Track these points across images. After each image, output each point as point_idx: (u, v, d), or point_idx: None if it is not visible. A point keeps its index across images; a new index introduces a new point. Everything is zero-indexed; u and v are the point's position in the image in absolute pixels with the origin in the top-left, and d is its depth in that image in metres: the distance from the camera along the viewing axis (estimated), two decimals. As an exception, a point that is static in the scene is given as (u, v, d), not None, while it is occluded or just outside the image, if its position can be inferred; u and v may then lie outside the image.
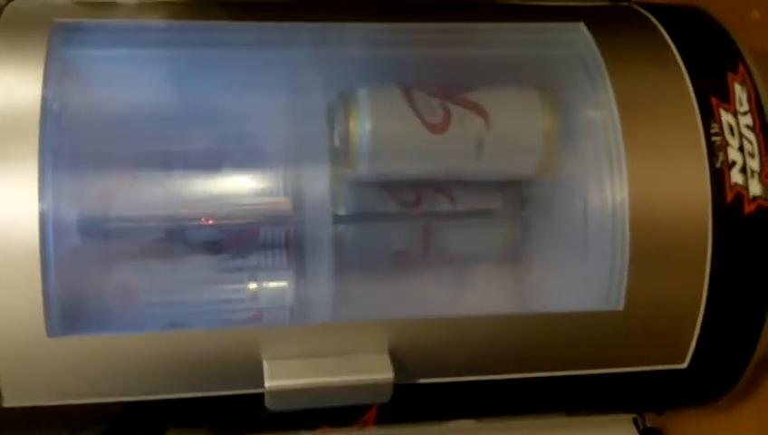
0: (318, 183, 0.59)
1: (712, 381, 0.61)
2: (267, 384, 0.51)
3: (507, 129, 0.61)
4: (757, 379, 0.66)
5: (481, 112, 0.60)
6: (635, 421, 0.78)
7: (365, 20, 0.60)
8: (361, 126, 0.58)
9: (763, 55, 0.63)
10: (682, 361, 0.58)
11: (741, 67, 0.59)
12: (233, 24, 0.61)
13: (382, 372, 0.52)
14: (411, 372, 0.54)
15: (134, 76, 0.61)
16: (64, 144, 0.54)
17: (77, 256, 0.54)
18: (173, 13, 0.64)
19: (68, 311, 0.51)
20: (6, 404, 0.51)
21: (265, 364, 0.52)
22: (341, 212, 0.61)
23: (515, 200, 0.66)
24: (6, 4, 0.58)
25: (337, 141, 0.59)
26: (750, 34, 0.65)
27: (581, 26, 0.59)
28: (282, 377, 0.52)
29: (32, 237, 0.49)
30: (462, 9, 0.62)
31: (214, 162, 0.60)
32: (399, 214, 0.64)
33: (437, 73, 0.62)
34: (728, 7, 0.67)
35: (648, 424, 0.78)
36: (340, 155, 0.59)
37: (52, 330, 0.49)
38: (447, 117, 0.59)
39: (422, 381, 0.55)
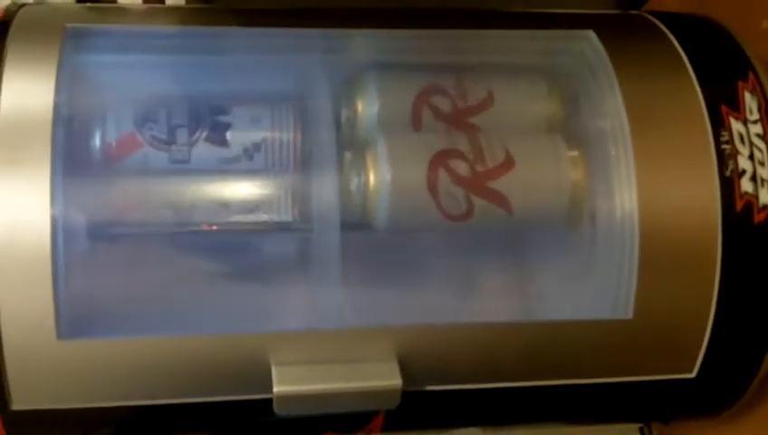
0: (326, 191, 0.59)
1: (720, 391, 0.61)
2: (276, 389, 0.51)
3: (531, 211, 0.60)
4: (763, 389, 0.65)
5: (504, 204, 0.59)
6: (641, 431, 0.78)
7: (375, 27, 0.60)
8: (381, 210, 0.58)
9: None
10: (690, 370, 0.58)
11: (751, 76, 0.59)
12: (241, 30, 0.61)
13: (390, 379, 0.52)
14: (419, 379, 0.54)
15: (144, 81, 0.61)
16: (75, 150, 0.54)
17: (87, 261, 0.54)
18: (182, 19, 0.65)
19: (78, 314, 0.51)
20: (15, 407, 0.51)
21: (274, 370, 0.52)
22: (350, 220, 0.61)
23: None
24: (18, 9, 0.58)
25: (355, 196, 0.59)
26: (760, 44, 0.65)
27: (591, 34, 0.60)
28: (290, 383, 0.52)
29: (43, 242, 0.50)
30: (472, 17, 0.63)
31: (221, 168, 0.60)
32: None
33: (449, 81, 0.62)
34: (738, 17, 0.67)
35: (654, 434, 0.79)
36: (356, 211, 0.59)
37: (62, 333, 0.50)
38: (470, 210, 0.59)
39: (429, 388, 0.55)
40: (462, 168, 0.58)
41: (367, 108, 0.60)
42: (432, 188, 0.57)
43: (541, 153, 0.60)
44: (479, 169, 0.58)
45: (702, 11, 0.67)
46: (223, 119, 0.60)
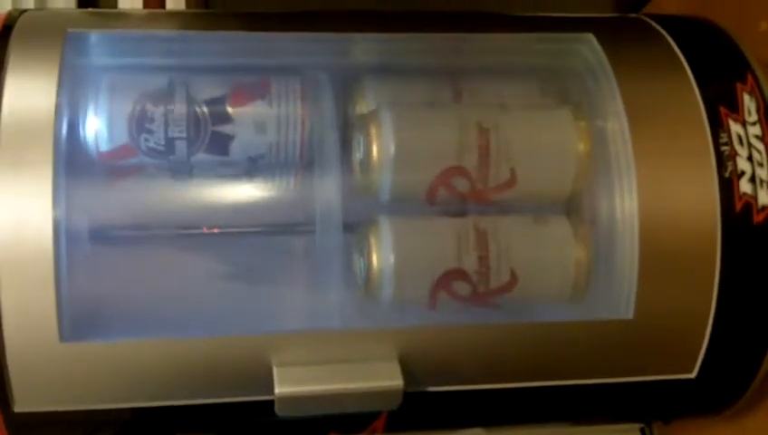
0: (328, 192, 0.59)
1: (720, 391, 0.61)
2: (277, 390, 0.52)
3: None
4: (763, 389, 0.66)
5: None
6: (642, 431, 0.78)
7: (378, 31, 0.61)
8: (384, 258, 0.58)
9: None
10: (691, 370, 0.58)
11: (750, 77, 0.59)
12: (240, 34, 0.62)
13: (392, 380, 0.53)
14: (421, 380, 0.54)
15: (145, 85, 0.61)
16: (77, 152, 0.55)
17: (89, 263, 0.55)
18: (183, 23, 0.65)
19: (80, 316, 0.51)
20: (18, 409, 0.51)
21: (275, 371, 0.52)
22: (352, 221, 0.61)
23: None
24: (20, 14, 0.58)
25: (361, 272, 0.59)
26: (758, 46, 0.65)
27: (591, 37, 0.60)
28: (292, 383, 0.52)
29: (45, 244, 0.50)
30: (473, 20, 0.63)
31: (225, 171, 0.60)
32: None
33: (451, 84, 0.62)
34: (736, 19, 0.67)
35: (656, 434, 0.79)
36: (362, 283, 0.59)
37: (64, 335, 0.50)
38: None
39: (431, 389, 0.55)
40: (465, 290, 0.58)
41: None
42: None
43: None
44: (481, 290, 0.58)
45: (700, 13, 0.67)
46: (224, 129, 0.60)
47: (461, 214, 0.59)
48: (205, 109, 0.59)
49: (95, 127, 0.58)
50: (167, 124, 0.59)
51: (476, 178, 0.58)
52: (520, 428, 0.66)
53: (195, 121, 0.59)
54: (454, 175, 0.58)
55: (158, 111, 0.58)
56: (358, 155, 0.59)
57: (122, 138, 0.58)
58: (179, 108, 0.59)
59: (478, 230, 0.58)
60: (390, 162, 0.57)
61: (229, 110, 0.60)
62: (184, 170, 0.59)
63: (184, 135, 0.59)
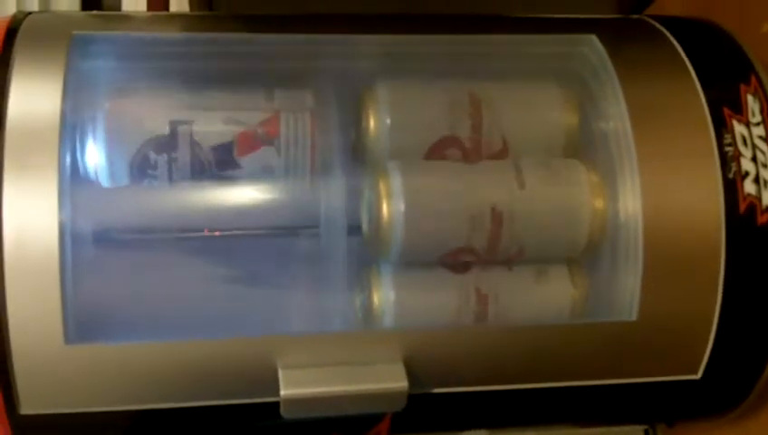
0: (334, 195, 0.59)
1: (725, 392, 0.61)
2: (283, 392, 0.52)
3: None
4: (767, 392, 0.66)
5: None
6: (646, 433, 0.78)
7: (380, 33, 0.61)
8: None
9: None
10: (695, 371, 0.58)
11: (753, 79, 0.59)
12: (243, 36, 0.62)
13: (397, 381, 0.53)
14: (425, 382, 0.54)
15: (149, 88, 0.62)
16: (82, 157, 0.55)
17: (95, 266, 0.55)
18: (186, 25, 0.65)
19: (85, 319, 0.51)
20: (23, 412, 0.52)
21: (281, 373, 0.52)
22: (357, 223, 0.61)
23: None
24: (25, 17, 0.58)
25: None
26: (761, 47, 0.65)
27: (594, 39, 0.60)
28: (297, 385, 0.52)
29: (50, 248, 0.50)
30: (476, 22, 0.63)
31: (228, 174, 0.60)
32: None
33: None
34: (739, 20, 0.67)
35: (660, 435, 0.79)
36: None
37: (69, 338, 0.50)
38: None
39: (436, 390, 0.56)
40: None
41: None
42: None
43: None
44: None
45: (703, 15, 0.67)
46: (231, 174, 0.60)
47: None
48: (210, 157, 0.59)
49: (96, 161, 0.57)
50: (170, 172, 0.58)
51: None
52: (524, 430, 0.66)
53: (200, 169, 0.59)
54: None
55: (161, 159, 0.58)
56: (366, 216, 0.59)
57: (123, 178, 0.58)
58: (183, 156, 0.58)
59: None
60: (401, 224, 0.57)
61: (235, 157, 0.59)
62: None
63: (188, 176, 0.59)
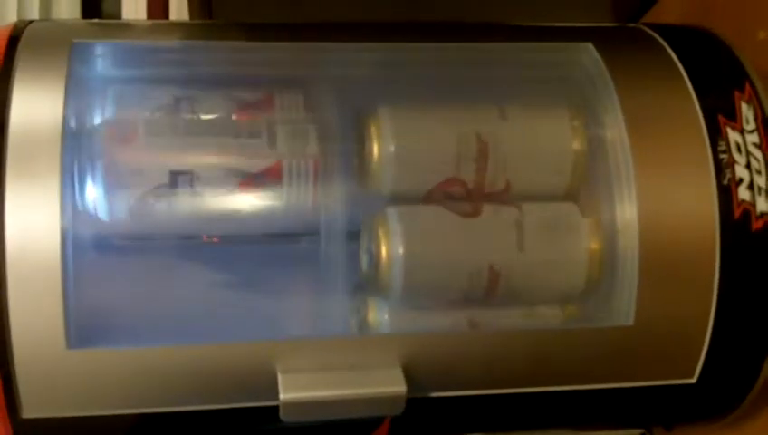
0: (334, 202, 0.60)
1: (721, 396, 0.62)
2: (282, 396, 0.52)
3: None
4: (765, 395, 0.66)
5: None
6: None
7: (380, 41, 0.62)
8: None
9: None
10: (691, 375, 0.59)
11: (748, 86, 0.60)
12: (242, 44, 0.63)
13: (395, 386, 0.53)
14: (423, 386, 0.55)
15: (149, 95, 0.62)
16: (83, 162, 0.55)
17: (96, 272, 0.55)
18: (186, 33, 0.66)
19: (87, 324, 0.52)
20: (25, 415, 0.52)
21: (280, 377, 0.53)
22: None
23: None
24: (26, 25, 0.59)
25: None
26: (756, 55, 0.66)
27: (590, 47, 0.61)
28: (296, 390, 0.53)
29: (53, 253, 0.51)
30: (475, 30, 0.64)
31: (230, 179, 0.61)
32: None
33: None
34: (735, 28, 0.68)
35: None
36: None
37: (71, 343, 0.51)
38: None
39: (434, 394, 0.56)
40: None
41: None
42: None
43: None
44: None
45: (699, 23, 0.68)
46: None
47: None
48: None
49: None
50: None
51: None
52: (524, 434, 0.67)
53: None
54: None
55: (161, 206, 0.59)
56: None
57: (122, 215, 0.58)
58: (183, 205, 0.59)
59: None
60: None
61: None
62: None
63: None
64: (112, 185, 0.57)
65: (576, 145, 0.61)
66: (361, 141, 0.60)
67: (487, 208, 0.60)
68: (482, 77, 0.64)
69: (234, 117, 0.60)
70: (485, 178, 0.60)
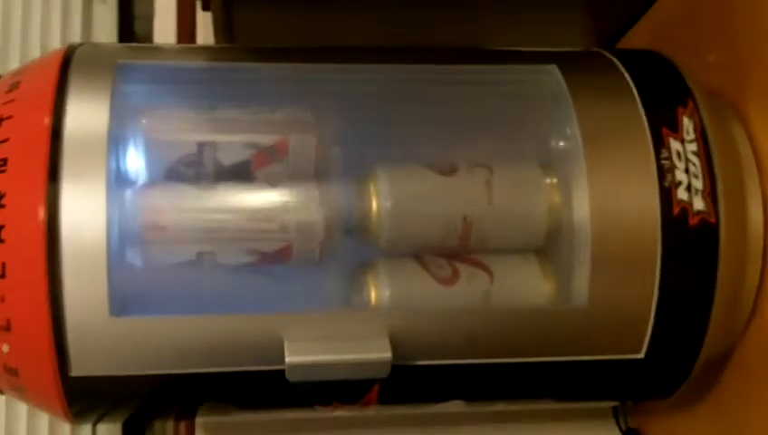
0: (333, 200, 0.70)
1: (667, 371, 0.71)
2: (287, 360, 0.62)
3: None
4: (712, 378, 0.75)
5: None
6: (617, 422, 0.88)
7: (368, 62, 0.72)
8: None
9: (718, 92, 0.74)
10: (639, 351, 0.68)
11: (690, 102, 0.69)
12: (257, 65, 0.73)
13: (382, 352, 0.63)
14: (407, 355, 0.64)
15: (181, 108, 0.73)
16: (125, 163, 0.66)
17: (134, 254, 0.65)
18: (212, 55, 0.76)
19: (127, 296, 0.62)
20: (73, 374, 0.62)
21: (286, 344, 0.62)
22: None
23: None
24: (76, 48, 0.69)
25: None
26: (707, 75, 0.75)
27: (555, 68, 0.70)
28: (299, 354, 0.62)
29: (100, 238, 0.60)
30: (451, 53, 0.74)
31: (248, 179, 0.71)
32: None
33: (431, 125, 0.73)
34: (689, 51, 0.78)
35: (630, 425, 0.89)
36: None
37: (114, 311, 0.60)
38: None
39: (417, 362, 0.65)
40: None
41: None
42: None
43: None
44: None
45: (662, 46, 0.77)
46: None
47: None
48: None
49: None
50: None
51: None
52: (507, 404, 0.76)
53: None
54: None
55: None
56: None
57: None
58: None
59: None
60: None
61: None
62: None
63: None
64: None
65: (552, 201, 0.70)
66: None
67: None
68: (458, 98, 0.74)
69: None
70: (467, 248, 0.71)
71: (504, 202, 0.70)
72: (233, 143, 0.70)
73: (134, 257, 0.66)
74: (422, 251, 0.70)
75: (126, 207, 0.65)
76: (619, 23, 0.92)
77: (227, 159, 0.69)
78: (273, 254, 0.68)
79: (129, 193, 0.66)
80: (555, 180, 0.70)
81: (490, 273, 0.71)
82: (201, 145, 0.69)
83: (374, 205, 0.69)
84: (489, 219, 0.70)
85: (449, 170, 0.70)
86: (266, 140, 0.70)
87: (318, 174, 0.70)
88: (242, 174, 0.70)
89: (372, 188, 0.69)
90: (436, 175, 0.70)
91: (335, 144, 0.71)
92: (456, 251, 0.70)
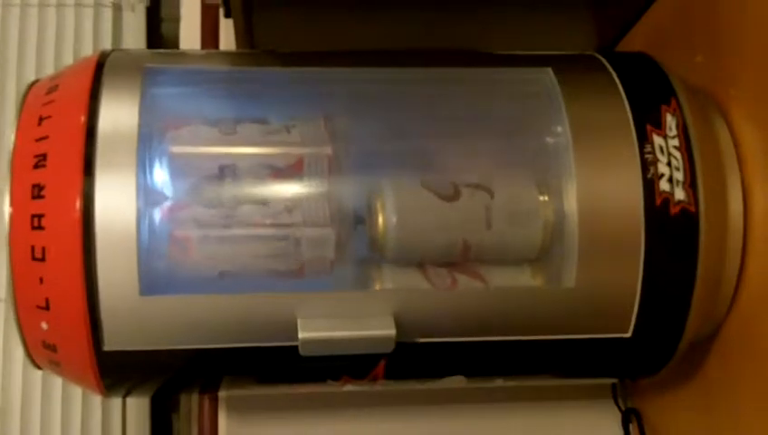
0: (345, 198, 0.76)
1: (653, 350, 0.76)
2: (300, 336, 0.68)
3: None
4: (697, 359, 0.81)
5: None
6: (616, 403, 0.93)
7: (376, 65, 0.78)
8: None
9: (704, 90, 0.79)
10: (626, 331, 0.73)
11: (673, 101, 0.74)
12: (275, 68, 0.79)
13: (387, 329, 0.69)
14: (410, 332, 0.70)
15: (203, 108, 0.79)
16: (153, 158, 0.72)
17: (161, 239, 0.71)
18: (234, 60, 0.83)
19: (155, 277, 0.68)
20: (106, 348, 0.68)
21: (299, 321, 0.68)
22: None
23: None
24: (109, 54, 0.76)
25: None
26: (695, 75, 0.81)
27: (549, 70, 0.76)
28: (311, 331, 0.68)
29: (130, 224, 0.66)
30: (457, 56, 0.80)
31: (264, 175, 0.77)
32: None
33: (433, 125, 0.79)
34: (676, 53, 0.83)
35: (629, 405, 0.94)
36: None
37: (143, 290, 0.66)
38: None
39: (419, 340, 0.71)
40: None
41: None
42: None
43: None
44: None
45: (655, 48, 0.83)
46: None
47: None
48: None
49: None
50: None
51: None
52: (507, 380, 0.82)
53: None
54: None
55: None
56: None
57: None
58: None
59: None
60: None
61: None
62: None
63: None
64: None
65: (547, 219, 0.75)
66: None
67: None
68: (461, 99, 0.79)
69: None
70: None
71: (501, 226, 0.75)
72: (252, 165, 0.76)
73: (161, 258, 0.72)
74: (424, 262, 0.75)
75: (153, 194, 0.70)
76: (618, 27, 0.97)
77: (246, 177, 0.75)
78: (287, 271, 0.74)
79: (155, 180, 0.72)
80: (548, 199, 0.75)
81: (485, 282, 0.76)
82: (222, 167, 0.75)
83: (380, 221, 0.74)
84: (487, 241, 0.75)
85: (452, 196, 0.75)
86: (282, 161, 0.75)
87: (330, 189, 0.75)
88: (259, 192, 0.75)
89: (379, 205, 0.74)
90: (440, 201, 0.75)
91: (347, 158, 0.76)
92: (455, 262, 0.76)
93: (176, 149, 0.74)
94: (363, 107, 0.79)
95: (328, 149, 0.75)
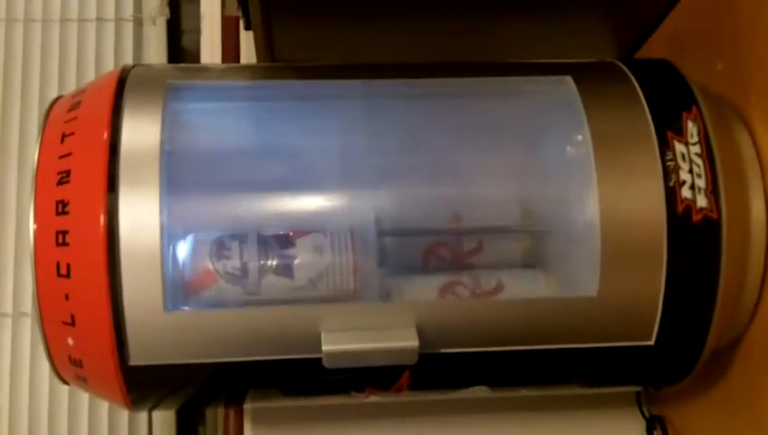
0: (366, 204, 0.76)
1: (677, 357, 0.76)
2: (324, 348, 0.68)
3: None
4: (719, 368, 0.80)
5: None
6: (637, 395, 0.93)
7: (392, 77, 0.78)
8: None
9: (724, 96, 0.79)
10: (650, 338, 0.73)
11: (694, 108, 0.74)
12: (297, 82, 0.79)
13: (410, 341, 0.69)
14: (433, 343, 0.70)
15: (226, 123, 0.79)
16: (176, 175, 0.72)
17: (185, 255, 0.72)
18: (254, 74, 0.83)
19: (179, 292, 0.69)
20: (132, 363, 0.68)
21: (323, 335, 0.69)
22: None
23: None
24: (131, 69, 0.76)
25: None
26: (715, 82, 0.81)
27: (569, 79, 0.76)
28: (335, 343, 0.69)
29: (154, 241, 0.67)
30: (476, 66, 0.80)
31: (285, 187, 0.77)
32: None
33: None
34: (697, 60, 0.83)
35: (653, 412, 0.94)
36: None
37: (167, 306, 0.67)
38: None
39: (442, 350, 0.71)
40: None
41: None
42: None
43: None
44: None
45: (676, 55, 0.83)
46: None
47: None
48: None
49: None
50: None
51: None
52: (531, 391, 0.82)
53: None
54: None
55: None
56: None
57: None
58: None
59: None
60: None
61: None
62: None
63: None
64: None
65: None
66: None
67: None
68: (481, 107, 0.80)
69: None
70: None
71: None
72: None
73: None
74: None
75: (176, 211, 0.71)
76: (637, 34, 0.96)
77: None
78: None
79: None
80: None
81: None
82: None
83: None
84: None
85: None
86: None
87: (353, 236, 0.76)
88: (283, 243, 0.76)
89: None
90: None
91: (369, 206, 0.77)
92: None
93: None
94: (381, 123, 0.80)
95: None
